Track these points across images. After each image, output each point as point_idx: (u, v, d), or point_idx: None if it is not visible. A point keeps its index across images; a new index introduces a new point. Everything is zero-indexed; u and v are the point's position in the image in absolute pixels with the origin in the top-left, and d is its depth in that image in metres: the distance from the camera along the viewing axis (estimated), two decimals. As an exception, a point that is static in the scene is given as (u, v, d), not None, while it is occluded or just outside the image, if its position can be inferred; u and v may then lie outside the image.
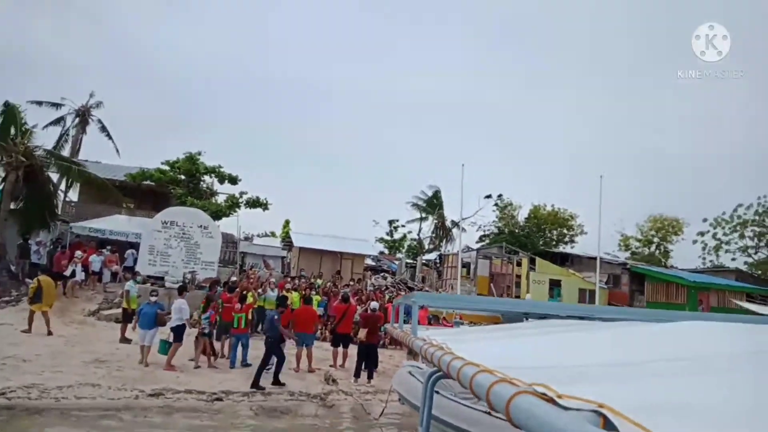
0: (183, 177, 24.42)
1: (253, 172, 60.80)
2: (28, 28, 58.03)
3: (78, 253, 17.63)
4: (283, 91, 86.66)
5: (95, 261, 17.84)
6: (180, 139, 61.42)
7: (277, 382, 11.44)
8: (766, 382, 1.20)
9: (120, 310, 14.48)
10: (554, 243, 38.89)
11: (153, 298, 12.14)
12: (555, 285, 26.91)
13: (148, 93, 75.00)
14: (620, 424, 0.83)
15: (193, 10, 76.74)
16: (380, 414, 10.15)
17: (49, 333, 13.19)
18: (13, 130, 18.34)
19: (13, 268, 17.28)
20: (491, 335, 3.08)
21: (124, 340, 13.17)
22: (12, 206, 17.99)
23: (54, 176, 20.56)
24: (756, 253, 30.74)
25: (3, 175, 18.11)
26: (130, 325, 13.19)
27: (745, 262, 31.36)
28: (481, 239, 39.13)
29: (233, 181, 25.28)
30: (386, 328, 7.73)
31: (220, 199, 25.50)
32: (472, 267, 28.50)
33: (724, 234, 31.28)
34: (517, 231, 37.29)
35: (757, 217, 29.66)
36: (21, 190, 18.08)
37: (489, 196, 38.79)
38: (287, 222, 41.07)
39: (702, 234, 32.49)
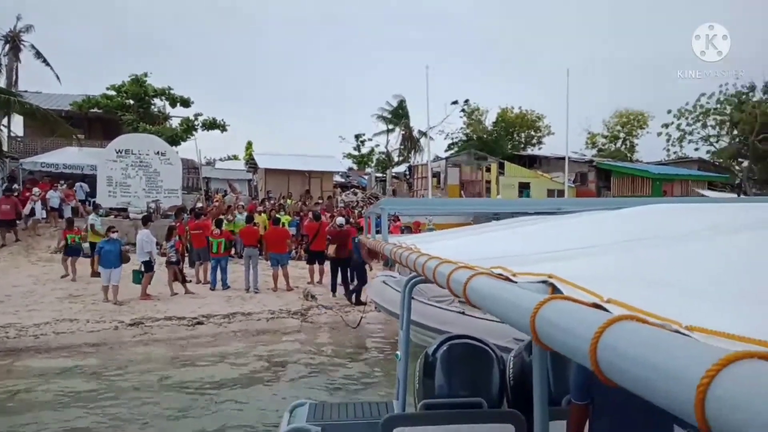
0: (131, 102, 23.10)
1: (206, 94, 58.04)
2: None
3: (36, 190, 16.92)
4: (233, 12, 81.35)
5: (53, 197, 17.17)
6: (123, 62, 57.69)
7: (359, 301, 11.72)
8: (712, 253, 1.27)
9: (87, 245, 14.17)
10: (522, 146, 39.05)
11: (114, 235, 11.58)
12: (524, 187, 27.40)
13: (81, 13, 69.34)
14: (566, 289, 0.88)
15: None
16: (357, 323, 10.51)
17: None
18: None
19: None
20: (459, 234, 3.12)
21: (95, 274, 13.01)
22: (-47, 147, 16.88)
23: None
24: (717, 141, 31.39)
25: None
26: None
27: (708, 152, 32.13)
28: (449, 147, 39.00)
29: (185, 103, 24.04)
30: (360, 239, 7.83)
31: (174, 123, 24.39)
32: (442, 176, 28.64)
33: (688, 124, 31.64)
34: (485, 136, 37.14)
35: (718, 106, 29.92)
36: (-42, 128, 16.90)
37: (455, 102, 38.19)
38: (250, 144, 40.06)
39: (666, 126, 32.77)
